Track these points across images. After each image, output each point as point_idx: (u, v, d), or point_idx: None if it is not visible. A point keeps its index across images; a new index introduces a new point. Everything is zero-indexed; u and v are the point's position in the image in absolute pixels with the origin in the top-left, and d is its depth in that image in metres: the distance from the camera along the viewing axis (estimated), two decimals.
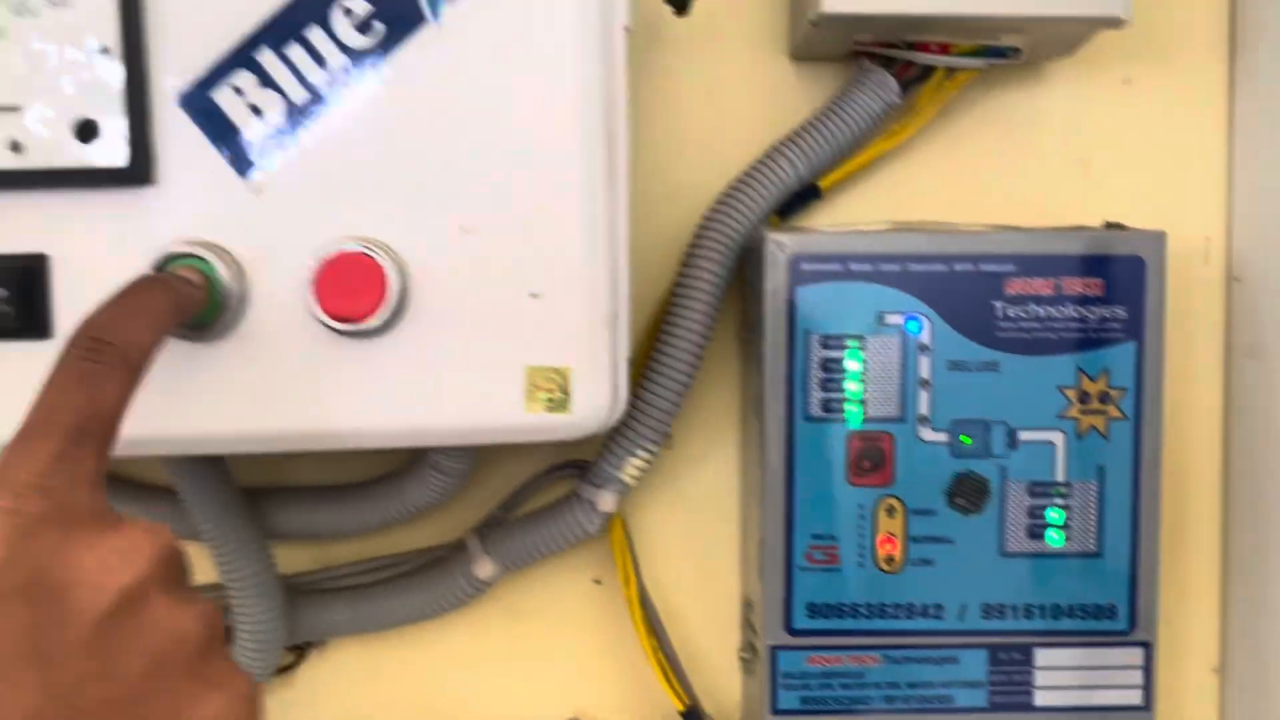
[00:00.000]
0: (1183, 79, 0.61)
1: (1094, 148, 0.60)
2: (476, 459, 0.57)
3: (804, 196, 0.57)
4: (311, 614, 0.59)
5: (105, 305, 0.36)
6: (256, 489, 0.58)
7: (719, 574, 0.62)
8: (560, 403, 0.43)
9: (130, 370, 0.34)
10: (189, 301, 0.40)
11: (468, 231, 0.43)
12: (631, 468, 0.55)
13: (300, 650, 0.61)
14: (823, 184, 0.57)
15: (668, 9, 0.52)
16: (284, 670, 0.61)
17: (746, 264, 0.56)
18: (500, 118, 0.42)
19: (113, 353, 0.34)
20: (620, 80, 0.44)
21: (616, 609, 0.62)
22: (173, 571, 0.33)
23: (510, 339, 0.43)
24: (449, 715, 0.62)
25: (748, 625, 0.59)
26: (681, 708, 0.58)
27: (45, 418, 0.32)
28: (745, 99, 0.59)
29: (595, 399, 0.44)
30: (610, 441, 0.55)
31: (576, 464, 0.59)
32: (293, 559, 0.60)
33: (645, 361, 0.55)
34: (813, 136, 0.56)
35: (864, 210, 0.60)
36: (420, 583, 0.58)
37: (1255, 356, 0.59)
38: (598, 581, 0.62)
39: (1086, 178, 0.60)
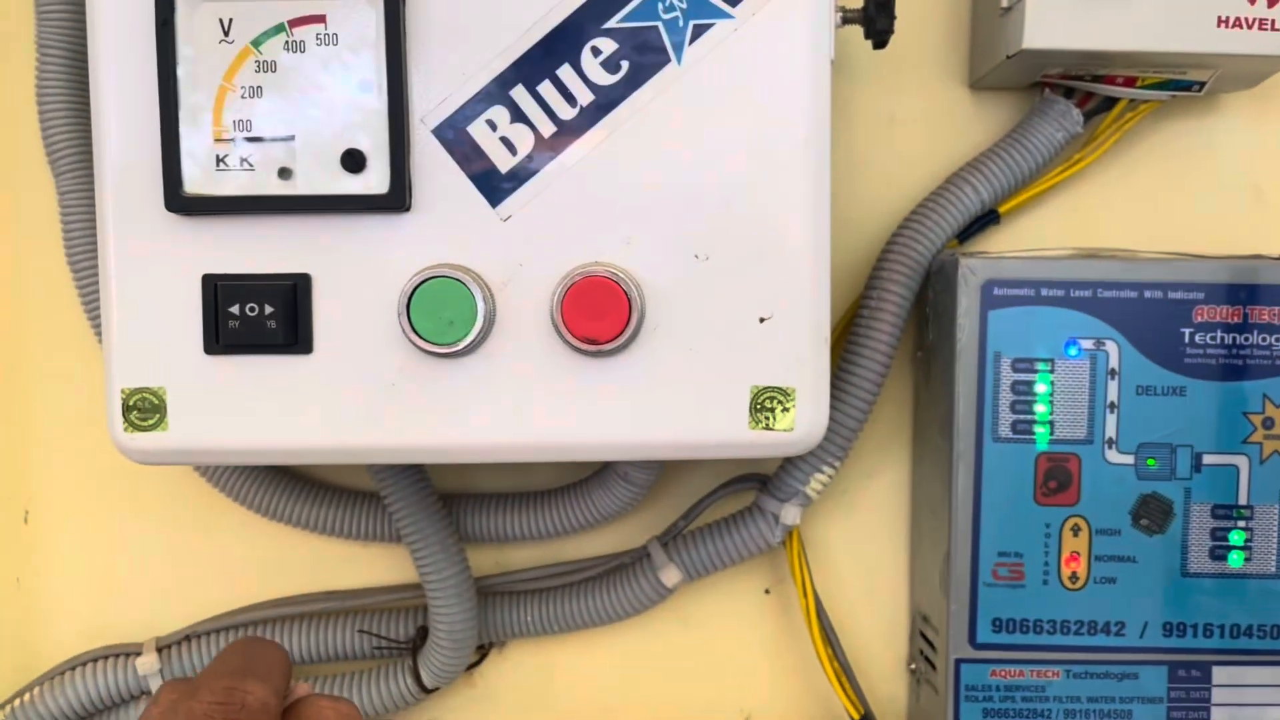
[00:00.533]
0: None
1: (1267, 177, 0.62)
2: (662, 471, 0.59)
3: (982, 221, 0.59)
4: (500, 614, 0.61)
5: (233, 659, 0.34)
6: (449, 494, 0.61)
7: (886, 587, 0.64)
8: (784, 421, 0.46)
9: None
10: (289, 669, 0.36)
11: (702, 258, 0.45)
12: (816, 482, 0.57)
13: (483, 649, 0.64)
14: (1000, 209, 0.59)
15: (852, 41, 0.55)
16: (469, 668, 0.63)
17: (927, 285, 0.58)
18: (733, 150, 0.45)
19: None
20: (827, 110, 0.46)
21: (786, 618, 0.64)
22: None
23: (738, 360, 0.45)
24: (622, 715, 0.65)
25: (920, 638, 0.61)
26: (857, 716, 0.60)
27: None
28: (923, 127, 0.61)
29: (815, 416, 0.46)
30: (796, 457, 0.58)
31: (756, 477, 0.61)
32: (472, 562, 0.63)
33: (832, 379, 0.57)
34: (996, 163, 0.58)
35: (1038, 235, 0.61)
36: (606, 588, 0.61)
37: None
38: (767, 591, 0.64)
39: (1259, 206, 0.62)
